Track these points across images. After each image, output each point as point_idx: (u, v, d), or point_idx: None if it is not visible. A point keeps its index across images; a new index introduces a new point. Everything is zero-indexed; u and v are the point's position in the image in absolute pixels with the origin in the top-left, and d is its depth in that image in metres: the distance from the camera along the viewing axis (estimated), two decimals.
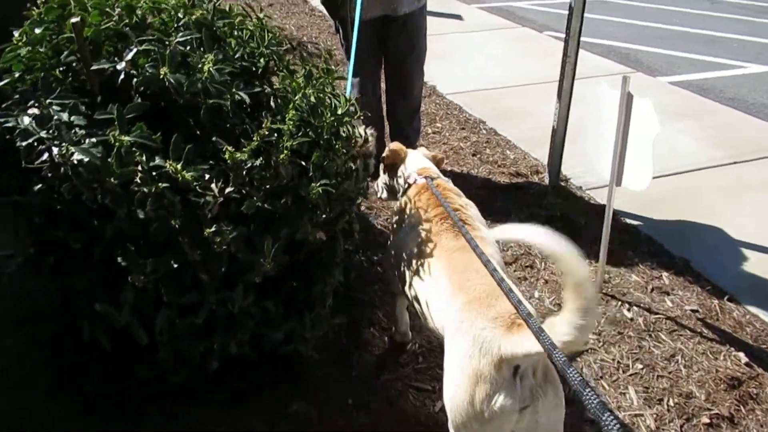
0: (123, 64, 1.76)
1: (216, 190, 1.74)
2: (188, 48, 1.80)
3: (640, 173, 2.45)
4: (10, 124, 1.68)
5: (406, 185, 2.22)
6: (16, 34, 1.87)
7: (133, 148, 1.65)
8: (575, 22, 3.26)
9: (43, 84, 1.72)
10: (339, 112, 1.95)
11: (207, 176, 1.73)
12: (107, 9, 1.85)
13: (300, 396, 2.13)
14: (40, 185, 1.71)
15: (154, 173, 1.68)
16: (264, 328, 1.93)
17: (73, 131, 1.68)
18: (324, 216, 1.93)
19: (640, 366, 2.42)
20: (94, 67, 1.75)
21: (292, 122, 1.84)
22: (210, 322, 1.86)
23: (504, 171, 3.98)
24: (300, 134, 1.87)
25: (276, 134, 1.78)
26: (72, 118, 1.70)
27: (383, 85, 3.81)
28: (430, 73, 5.73)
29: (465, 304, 1.63)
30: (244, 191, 1.78)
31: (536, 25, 7.52)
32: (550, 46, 6.55)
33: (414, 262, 1.93)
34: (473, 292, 1.65)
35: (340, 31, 3.53)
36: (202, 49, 1.92)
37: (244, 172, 1.75)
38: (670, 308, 2.75)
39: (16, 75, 1.85)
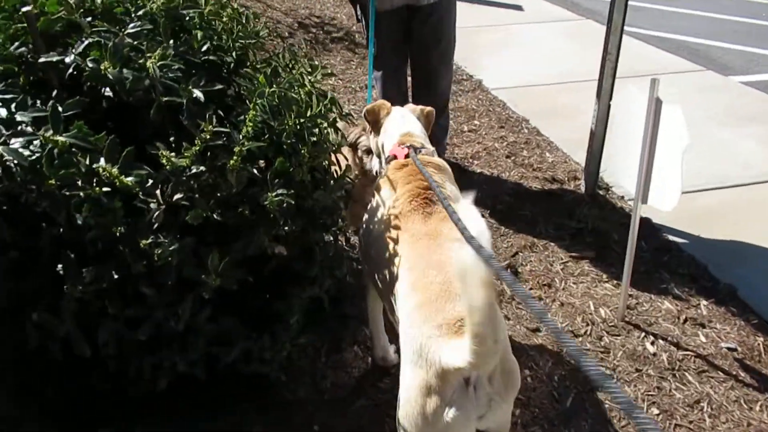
0: (72, 56, 1.64)
1: (160, 197, 1.61)
2: (141, 40, 1.66)
3: (667, 190, 2.12)
4: None
5: (387, 157, 2.00)
6: None
7: (73, 149, 1.54)
8: (617, 16, 2.92)
9: None
10: (309, 113, 1.76)
11: (151, 181, 1.60)
12: None
13: (262, 418, 1.98)
14: None
15: (97, 177, 1.57)
16: (216, 347, 1.78)
17: (16, 129, 1.59)
18: (286, 228, 1.76)
19: (656, 411, 2.12)
20: (42, 60, 1.64)
21: (252, 124, 1.67)
22: (159, 337, 1.73)
23: (538, 176, 3.67)
24: (263, 138, 1.70)
25: (226, 138, 1.62)
26: (16, 115, 1.61)
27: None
28: (478, 66, 5.48)
29: (416, 306, 1.47)
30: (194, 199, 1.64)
31: (602, 17, 7.00)
32: None
33: (379, 253, 1.74)
34: (426, 292, 1.47)
35: (363, 19, 3.33)
36: (169, 42, 1.78)
37: (191, 179, 1.60)
38: (702, 344, 2.41)
39: None
